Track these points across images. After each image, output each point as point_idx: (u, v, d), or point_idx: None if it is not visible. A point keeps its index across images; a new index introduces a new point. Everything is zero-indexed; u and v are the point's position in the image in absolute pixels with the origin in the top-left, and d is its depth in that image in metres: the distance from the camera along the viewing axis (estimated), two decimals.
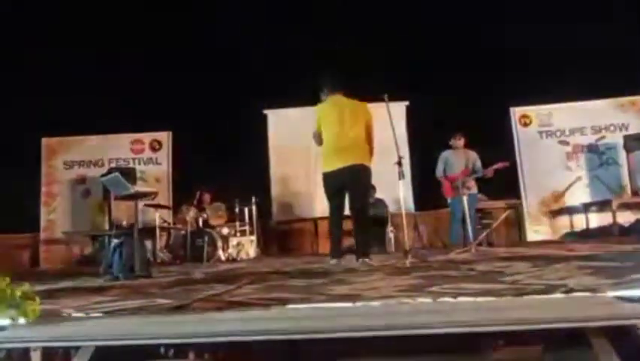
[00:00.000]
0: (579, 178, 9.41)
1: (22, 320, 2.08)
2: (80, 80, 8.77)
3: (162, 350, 2.02)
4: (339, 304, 2.33)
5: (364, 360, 1.97)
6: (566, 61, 8.46)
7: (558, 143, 9.60)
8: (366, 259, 4.68)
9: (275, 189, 9.70)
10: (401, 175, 4.74)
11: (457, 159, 7.23)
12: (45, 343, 1.92)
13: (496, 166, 6.71)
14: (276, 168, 9.70)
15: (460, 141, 7.28)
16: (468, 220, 6.42)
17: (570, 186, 9.38)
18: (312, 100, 9.33)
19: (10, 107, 8.48)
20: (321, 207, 8.96)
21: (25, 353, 1.95)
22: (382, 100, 5.06)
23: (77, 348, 1.95)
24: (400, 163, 4.78)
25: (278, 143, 9.71)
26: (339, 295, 2.65)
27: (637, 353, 1.78)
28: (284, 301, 2.48)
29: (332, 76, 5.13)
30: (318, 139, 5.01)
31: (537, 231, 9.38)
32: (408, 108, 9.49)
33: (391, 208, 8.71)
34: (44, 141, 9.84)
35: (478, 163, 7.16)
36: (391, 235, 8.65)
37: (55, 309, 2.53)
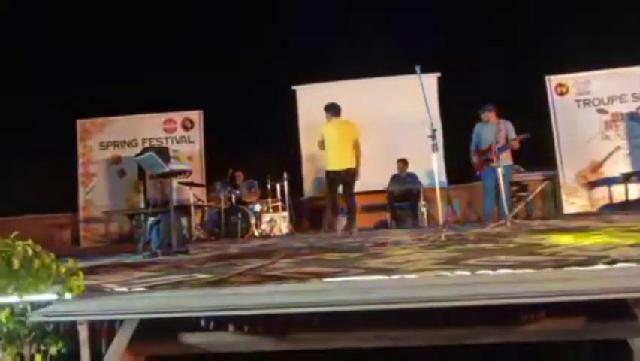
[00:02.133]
0: (618, 148, 9.10)
1: (67, 295, 2.14)
2: (111, 62, 8.89)
3: (202, 322, 2.06)
4: (375, 276, 2.32)
5: (402, 332, 1.97)
6: (604, 26, 8.12)
7: (596, 112, 9.27)
8: (355, 229, 6.73)
9: (305, 166, 9.70)
10: (435, 148, 4.69)
11: (488, 131, 7.01)
12: (91, 316, 1.98)
13: (519, 137, 6.53)
14: (306, 145, 9.67)
15: (489, 114, 7.01)
16: (502, 193, 6.29)
17: (609, 156, 9.09)
18: (341, 74, 9.34)
19: (46, 91, 8.67)
20: None
21: (73, 326, 2.02)
22: (414, 72, 4.98)
23: (122, 321, 2.01)
24: (433, 136, 4.72)
25: (308, 119, 9.67)
26: (375, 269, 2.65)
27: None
28: (320, 275, 2.50)
29: (333, 106, 6.99)
30: (322, 146, 6.95)
31: (574, 203, 9.15)
32: (439, 80, 9.31)
33: (424, 183, 8.64)
34: (79, 122, 10.04)
35: (512, 134, 6.94)
36: (424, 210, 8.60)
37: (99, 284, 2.60)
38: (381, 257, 3.24)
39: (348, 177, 6.84)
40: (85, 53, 8.83)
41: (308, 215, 9.94)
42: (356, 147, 6.89)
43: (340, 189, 6.93)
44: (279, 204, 8.78)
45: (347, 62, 8.92)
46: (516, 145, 6.62)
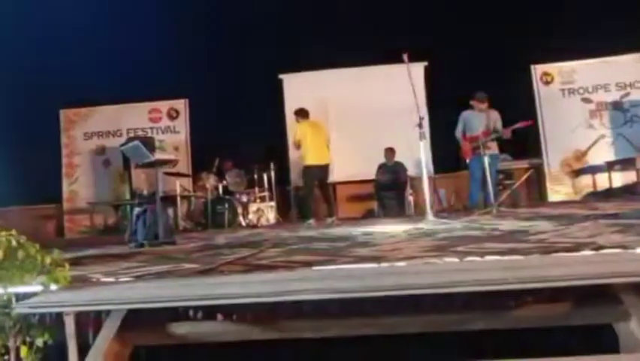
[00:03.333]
0: (602, 136, 9.20)
1: (53, 286, 2.12)
2: (94, 50, 8.75)
3: (190, 312, 2.05)
4: (364, 265, 2.33)
5: (391, 320, 1.97)
6: (589, 15, 8.16)
7: (581, 100, 9.36)
8: (334, 218, 7.38)
9: (292, 155, 9.67)
10: (422, 136, 4.70)
11: (478, 119, 7.04)
12: (77, 307, 1.96)
13: (516, 125, 6.57)
14: (293, 134, 9.63)
15: (483, 105, 7.04)
16: (489, 181, 6.34)
17: (593, 144, 9.19)
18: (327, 63, 9.29)
19: (29, 80, 8.52)
20: (338, 171, 8.95)
21: (59, 317, 2.00)
22: (401, 61, 4.97)
23: (108, 312, 1.99)
24: (420, 125, 4.73)
25: (294, 108, 9.62)
26: (364, 257, 2.65)
27: None
28: (309, 264, 2.49)
29: (303, 110, 7.64)
30: (298, 145, 7.58)
31: (558, 191, 9.26)
32: (426, 69, 9.31)
33: (411, 171, 8.67)
34: (62, 112, 9.91)
35: (499, 123, 6.99)
36: (410, 199, 8.63)
37: (85, 275, 2.58)
38: (369, 245, 3.25)
39: (326, 171, 7.53)
40: (69, 42, 8.67)
41: (295, 204, 9.91)
42: (328, 144, 7.68)
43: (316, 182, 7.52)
44: (266, 193, 8.76)
45: (334, 51, 8.87)
46: (508, 134, 6.65)
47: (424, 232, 4.00)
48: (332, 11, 8.95)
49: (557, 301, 1.92)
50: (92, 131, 9.95)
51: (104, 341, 1.92)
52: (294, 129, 7.81)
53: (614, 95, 9.26)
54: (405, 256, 2.51)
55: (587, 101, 9.35)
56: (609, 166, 8.79)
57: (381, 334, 1.99)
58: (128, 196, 9.01)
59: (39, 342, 1.99)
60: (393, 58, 5.00)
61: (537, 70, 9.48)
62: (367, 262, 2.39)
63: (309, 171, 7.46)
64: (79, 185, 9.84)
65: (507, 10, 8.62)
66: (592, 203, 6.90)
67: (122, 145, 5.60)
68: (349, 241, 3.71)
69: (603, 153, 9.10)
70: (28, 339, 2.00)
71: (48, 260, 2.16)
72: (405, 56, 4.93)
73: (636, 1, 7.77)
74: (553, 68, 9.48)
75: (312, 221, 7.09)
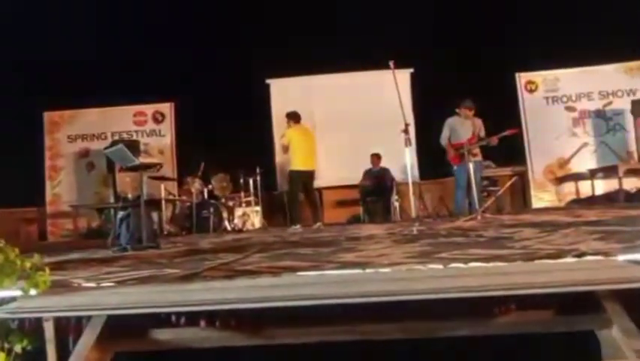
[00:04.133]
0: (585, 144, 9.32)
1: (33, 291, 2.08)
2: (79, 53, 8.67)
3: (173, 318, 2.02)
4: (349, 271, 2.32)
5: (375, 326, 1.97)
6: (573, 25, 8.28)
7: (565, 109, 9.48)
8: (320, 223, 7.42)
9: (279, 160, 9.65)
10: (408, 142, 4.72)
11: (463, 126, 7.09)
12: (57, 313, 1.92)
13: (504, 133, 6.62)
14: (280, 139, 9.63)
15: (470, 112, 7.08)
16: (473, 187, 6.38)
17: (576, 152, 9.30)
18: (315, 69, 9.31)
19: (12, 82, 8.41)
20: (324, 177, 8.94)
21: (38, 322, 1.96)
22: (388, 67, 5.01)
23: (89, 317, 1.96)
24: (406, 130, 4.75)
25: (281, 113, 9.59)
26: (349, 263, 2.65)
27: None
28: (294, 269, 2.48)
29: (295, 114, 7.61)
30: (285, 150, 7.64)
31: (542, 198, 9.35)
32: (412, 75, 9.37)
33: (396, 177, 8.70)
34: (46, 115, 9.78)
35: (482, 131, 7.06)
36: (396, 204, 8.65)
37: (66, 280, 2.54)
38: (354, 251, 3.24)
39: (312, 176, 7.64)
40: (54, 44, 8.58)
41: (281, 209, 9.88)
42: (315, 150, 7.84)
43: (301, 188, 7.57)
44: (252, 198, 8.73)
45: (321, 57, 8.89)
46: (495, 141, 6.70)
47: (408, 238, 4.01)
48: (320, 17, 8.97)
49: (540, 308, 1.93)
50: (76, 133, 9.84)
51: (84, 347, 1.89)
52: (283, 133, 7.81)
53: (596, 104, 9.39)
54: (390, 263, 2.51)
55: (570, 109, 9.47)
56: (592, 174, 8.90)
57: (365, 340, 1.98)
58: (112, 200, 8.91)
59: (17, 348, 1.95)
60: (380, 64, 5.04)
61: (521, 78, 9.58)
62: (352, 267, 2.39)
63: (294, 175, 7.47)
64: (62, 188, 9.71)
65: (493, 19, 8.70)
66: (575, 210, 6.97)
67: (107, 148, 5.56)
68: (335, 246, 3.71)
69: (586, 160, 9.22)
70: (6, 345, 1.96)
71: (28, 264, 2.12)
72: (391, 63, 4.96)
73: (619, 12, 7.91)
74: (538, 76, 9.59)
75: (298, 226, 7.08)
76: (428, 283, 1.90)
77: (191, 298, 1.94)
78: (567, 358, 1.84)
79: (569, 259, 2.22)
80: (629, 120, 8.94)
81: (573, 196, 9.25)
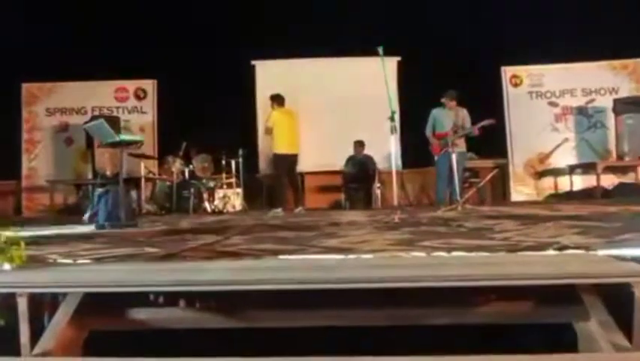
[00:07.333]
0: (566, 140, 9.44)
1: (6, 266, 2.03)
2: (62, 24, 8.45)
3: (151, 297, 1.99)
4: (331, 255, 2.31)
5: (356, 311, 1.96)
6: (559, 22, 8.33)
7: (548, 104, 9.57)
8: (301, 207, 7.62)
9: (262, 142, 9.57)
10: (393, 130, 4.71)
11: (447, 117, 7.16)
12: (32, 288, 1.87)
13: (482, 123, 6.67)
14: (263, 121, 9.54)
15: (451, 102, 7.19)
16: (455, 178, 6.42)
17: (557, 147, 9.42)
18: (302, 52, 9.22)
19: None
20: (307, 161, 8.90)
21: (11, 298, 1.91)
22: (375, 54, 4.97)
23: (65, 294, 1.91)
24: (392, 118, 4.74)
25: (266, 95, 9.49)
26: (331, 248, 2.63)
27: (628, 311, 1.80)
28: (275, 252, 2.46)
29: (279, 97, 7.71)
30: (269, 131, 7.69)
31: (521, 191, 9.46)
32: (399, 64, 9.33)
33: (379, 165, 8.69)
34: (24, 86, 9.54)
35: (468, 121, 7.11)
36: (378, 192, 8.66)
37: (42, 255, 2.48)
38: (336, 237, 3.23)
39: (295, 159, 7.71)
40: (35, 13, 8.34)
41: (262, 192, 9.83)
42: (298, 133, 7.91)
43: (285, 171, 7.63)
44: (233, 180, 8.66)
45: (308, 42, 8.81)
46: (476, 132, 6.76)
47: (390, 226, 4.01)
48: (310, 1, 8.85)
49: (520, 299, 1.95)
50: (54, 107, 9.63)
51: (58, 324, 1.84)
52: (267, 115, 7.80)
53: (579, 101, 9.50)
54: (372, 249, 2.50)
55: (553, 105, 9.56)
56: (571, 169, 9.03)
57: (345, 325, 1.97)
58: (90, 176, 8.75)
59: None
60: (367, 51, 5.02)
61: (507, 72, 9.64)
62: (334, 253, 2.38)
63: (279, 158, 7.52)
64: (39, 162, 9.52)
65: (482, 12, 8.69)
66: (553, 204, 7.07)
67: (86, 123, 5.44)
68: (316, 230, 3.69)
69: (566, 156, 9.34)
70: None
71: (2, 238, 2.06)
72: (379, 50, 4.92)
73: (606, 11, 7.97)
74: (523, 70, 9.65)
75: (279, 210, 7.07)
76: (409, 270, 1.89)
77: (171, 279, 1.91)
78: (544, 349, 1.85)
79: (550, 252, 2.24)
80: (610, 118, 9.07)
81: (552, 191, 9.37)
